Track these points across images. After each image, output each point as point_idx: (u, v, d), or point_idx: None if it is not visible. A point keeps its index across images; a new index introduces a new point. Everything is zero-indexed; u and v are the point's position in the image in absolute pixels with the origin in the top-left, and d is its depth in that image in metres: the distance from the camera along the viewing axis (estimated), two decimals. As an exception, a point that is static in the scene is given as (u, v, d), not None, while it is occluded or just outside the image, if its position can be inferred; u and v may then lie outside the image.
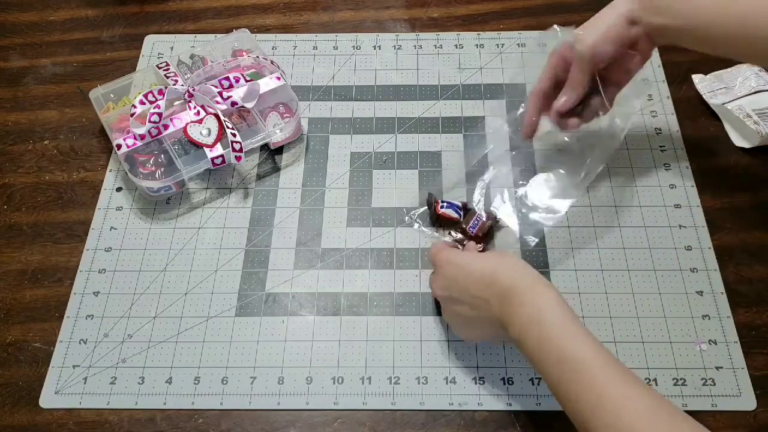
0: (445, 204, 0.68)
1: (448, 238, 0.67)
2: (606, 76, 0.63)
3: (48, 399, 0.62)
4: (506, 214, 0.69)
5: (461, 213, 0.68)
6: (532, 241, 0.67)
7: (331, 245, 0.69)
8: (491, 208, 0.69)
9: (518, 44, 0.84)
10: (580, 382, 0.47)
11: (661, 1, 0.57)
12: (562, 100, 0.64)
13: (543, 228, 0.68)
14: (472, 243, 0.65)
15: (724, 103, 0.76)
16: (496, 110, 0.78)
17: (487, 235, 0.67)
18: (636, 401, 0.45)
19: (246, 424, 0.60)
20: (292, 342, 0.64)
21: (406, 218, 0.70)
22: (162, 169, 0.71)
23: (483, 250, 0.66)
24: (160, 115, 0.70)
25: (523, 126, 0.68)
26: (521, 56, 0.82)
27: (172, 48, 0.86)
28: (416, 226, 0.69)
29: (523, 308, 0.51)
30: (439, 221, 0.69)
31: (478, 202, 0.70)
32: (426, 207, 0.70)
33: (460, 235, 0.67)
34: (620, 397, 0.45)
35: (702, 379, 0.61)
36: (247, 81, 0.74)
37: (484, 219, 0.67)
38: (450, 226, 0.68)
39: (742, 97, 0.75)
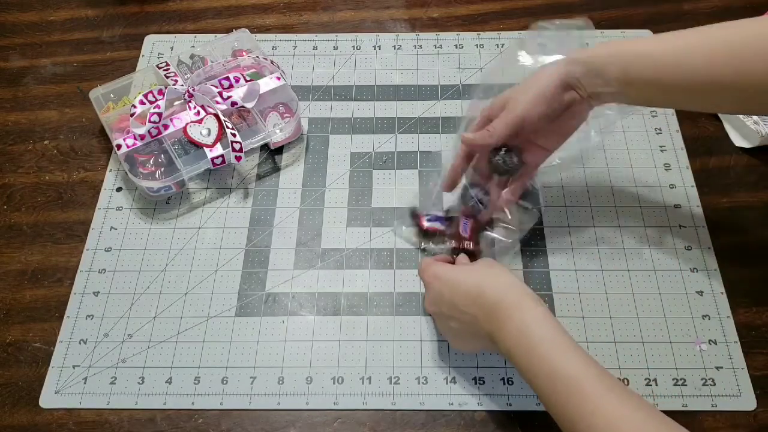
0: (429, 217, 0.68)
1: (438, 247, 0.67)
2: (536, 140, 0.61)
3: (48, 399, 0.62)
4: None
5: (447, 222, 0.68)
6: (526, 230, 0.67)
7: (331, 245, 0.69)
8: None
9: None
10: (571, 397, 0.47)
11: (600, 67, 0.55)
12: (472, 136, 0.60)
13: (537, 214, 0.68)
14: (462, 255, 0.64)
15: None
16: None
17: (479, 232, 0.67)
18: (628, 415, 0.45)
19: (246, 424, 0.60)
20: (292, 342, 0.64)
21: (395, 227, 0.70)
22: (162, 169, 0.71)
23: (476, 252, 0.66)
24: (160, 115, 0.70)
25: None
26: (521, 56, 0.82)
27: (172, 48, 0.86)
28: (404, 237, 0.69)
29: (511, 323, 0.51)
30: (428, 234, 0.69)
31: (459, 204, 0.69)
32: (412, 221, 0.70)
33: (453, 244, 0.66)
34: (612, 411, 0.45)
35: (702, 379, 0.61)
36: (247, 81, 0.74)
37: (466, 219, 0.67)
38: (439, 236, 0.68)
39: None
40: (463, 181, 0.68)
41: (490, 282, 0.54)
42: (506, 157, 0.61)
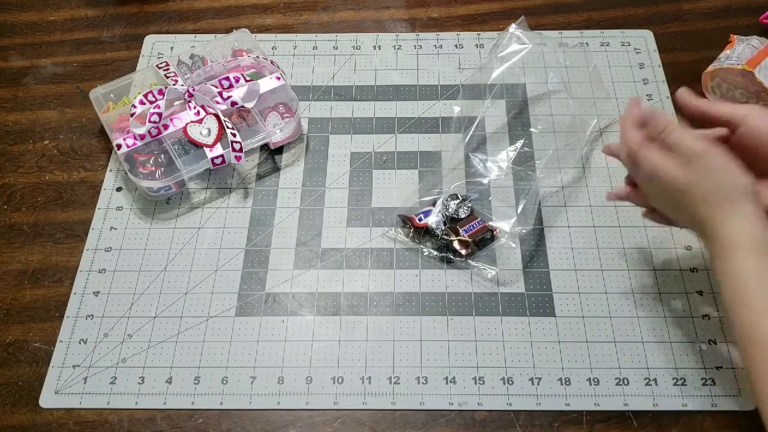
0: (419, 215, 0.68)
1: (427, 245, 0.68)
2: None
3: (48, 399, 0.62)
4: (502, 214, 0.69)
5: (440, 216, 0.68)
6: (526, 228, 0.67)
7: (331, 245, 0.69)
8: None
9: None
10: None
11: None
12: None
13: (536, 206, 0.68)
14: (675, 124, 0.54)
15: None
16: (496, 110, 0.78)
17: (479, 243, 0.67)
18: None
19: (246, 424, 0.60)
20: (292, 342, 0.64)
21: (390, 232, 0.70)
22: (162, 169, 0.71)
23: (470, 254, 0.67)
24: (160, 115, 0.70)
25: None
26: (521, 56, 0.82)
27: (172, 48, 0.86)
28: (401, 240, 0.69)
29: (714, 243, 0.50)
30: (427, 232, 0.68)
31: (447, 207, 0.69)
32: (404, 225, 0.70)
33: (454, 239, 0.67)
34: None
35: (702, 379, 0.61)
36: (247, 81, 0.74)
37: (480, 226, 0.67)
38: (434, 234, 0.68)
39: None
40: (443, 190, 0.70)
41: (700, 184, 0.51)
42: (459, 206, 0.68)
